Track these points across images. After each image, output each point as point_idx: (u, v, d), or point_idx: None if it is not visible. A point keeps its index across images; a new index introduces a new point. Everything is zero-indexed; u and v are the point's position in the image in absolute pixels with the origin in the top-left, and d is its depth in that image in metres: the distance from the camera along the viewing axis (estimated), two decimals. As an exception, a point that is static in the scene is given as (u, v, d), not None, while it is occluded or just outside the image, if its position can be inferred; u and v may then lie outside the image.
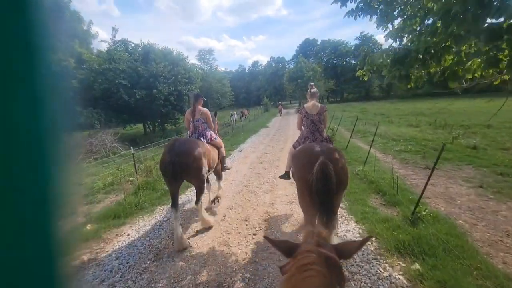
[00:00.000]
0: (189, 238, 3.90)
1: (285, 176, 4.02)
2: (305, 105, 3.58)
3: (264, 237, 1.20)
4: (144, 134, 20.31)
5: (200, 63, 27.45)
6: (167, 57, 16.15)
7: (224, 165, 5.14)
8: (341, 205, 4.43)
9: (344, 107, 36.93)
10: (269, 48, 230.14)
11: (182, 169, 3.49)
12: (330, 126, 15.45)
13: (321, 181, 2.33)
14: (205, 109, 4.36)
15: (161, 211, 5.18)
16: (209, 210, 4.84)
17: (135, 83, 15.59)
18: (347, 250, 1.06)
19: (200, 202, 3.85)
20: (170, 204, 3.84)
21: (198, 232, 4.12)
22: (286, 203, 5.16)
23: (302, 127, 3.67)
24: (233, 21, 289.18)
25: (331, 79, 40.81)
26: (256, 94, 67.57)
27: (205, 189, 4.32)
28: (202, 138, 4.25)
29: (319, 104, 3.53)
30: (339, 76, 57.41)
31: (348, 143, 9.95)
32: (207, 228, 4.14)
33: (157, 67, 15.78)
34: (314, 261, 0.90)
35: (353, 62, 64.45)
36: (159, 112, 15.95)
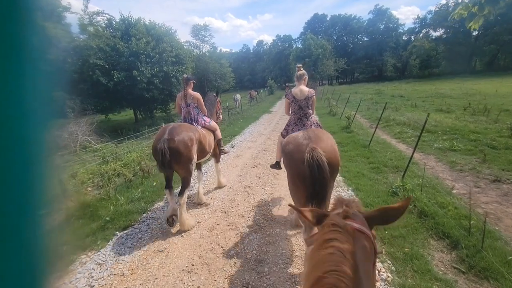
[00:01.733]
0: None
1: (276, 166, 3.83)
2: (292, 90, 3.41)
3: (290, 205, 1.17)
4: (135, 122, 18.28)
5: (195, 40, 24.90)
6: (150, 32, 13.55)
7: (221, 147, 4.93)
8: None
9: (356, 88, 33.82)
10: (276, 28, 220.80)
11: (171, 156, 3.38)
12: (344, 112, 13.02)
13: (313, 169, 2.27)
14: (197, 93, 4.19)
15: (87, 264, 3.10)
16: (201, 205, 4.52)
17: (115, 64, 13.21)
18: (390, 215, 0.98)
19: (184, 197, 3.62)
20: (164, 186, 3.73)
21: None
22: (286, 262, 3.01)
23: (290, 112, 3.52)
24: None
25: (342, 58, 37.34)
26: (261, 76, 64.01)
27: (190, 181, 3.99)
28: (195, 123, 4.12)
29: (307, 89, 3.34)
30: (349, 54, 53.39)
31: (372, 139, 7.57)
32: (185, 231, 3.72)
33: (138, 44, 13.35)
34: (336, 236, 0.84)
35: (365, 39, 60.07)
36: (142, 97, 13.65)
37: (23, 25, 0.31)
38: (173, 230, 3.74)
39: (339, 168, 2.67)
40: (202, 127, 4.20)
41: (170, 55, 13.70)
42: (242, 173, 6.12)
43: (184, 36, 41.70)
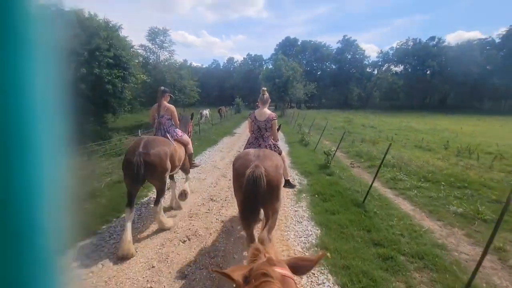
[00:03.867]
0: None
1: None
2: (255, 111, 3.54)
3: (213, 270, 1.04)
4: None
5: (152, 46, 21.00)
6: (83, 24, 10.44)
7: (193, 162, 5.12)
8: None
9: (325, 114, 33.10)
10: (248, 49, 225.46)
11: (146, 170, 3.38)
12: (319, 142, 10.95)
13: (250, 183, 2.37)
14: (171, 105, 4.25)
15: None
16: (172, 208, 4.72)
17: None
18: (302, 266, 1.02)
19: (159, 204, 3.73)
20: (126, 203, 3.51)
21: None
22: None
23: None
24: (212, 17, 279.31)
25: (312, 82, 36.97)
26: (230, 93, 62.02)
27: (165, 190, 4.11)
28: (168, 135, 4.14)
29: (269, 112, 3.46)
30: (318, 80, 54.25)
31: (368, 194, 5.27)
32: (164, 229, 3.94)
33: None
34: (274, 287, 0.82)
35: (333, 67, 62.02)
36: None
37: None
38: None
39: (280, 188, 2.78)
40: (174, 139, 4.22)
41: (106, 55, 10.58)
42: (182, 233, 3.35)
43: (139, 40, 36.81)
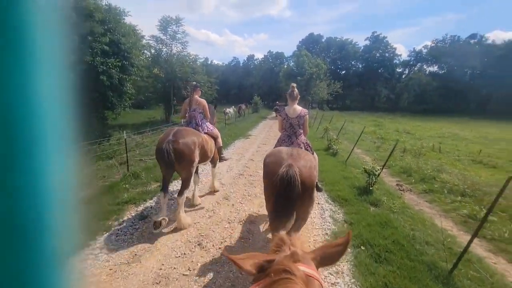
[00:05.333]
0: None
1: None
2: (286, 108, 3.49)
3: (223, 254, 1.11)
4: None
5: (164, 37, 18.50)
6: (75, 5, 8.86)
7: (222, 155, 5.18)
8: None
9: (349, 116, 30.27)
10: (270, 47, 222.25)
11: (176, 157, 3.48)
12: (352, 153, 8.78)
13: (282, 184, 2.30)
14: (203, 99, 4.38)
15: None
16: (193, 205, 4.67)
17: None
18: (329, 257, 0.89)
19: (183, 196, 3.71)
20: (161, 188, 3.73)
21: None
22: None
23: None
24: (235, 16, 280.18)
25: (337, 81, 34.12)
26: (249, 91, 60.13)
27: (192, 183, 4.33)
28: (199, 128, 4.25)
29: (300, 108, 3.42)
30: (342, 80, 51.01)
31: (460, 260, 3.10)
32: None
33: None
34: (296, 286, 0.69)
35: (360, 66, 58.30)
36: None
37: None
38: (166, 230, 3.75)
39: (313, 190, 2.67)
40: (205, 133, 4.33)
41: (101, 41, 9.02)
42: None
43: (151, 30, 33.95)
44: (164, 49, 17.61)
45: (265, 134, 14.75)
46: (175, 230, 3.84)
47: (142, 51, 15.20)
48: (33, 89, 0.31)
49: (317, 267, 0.86)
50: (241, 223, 4.15)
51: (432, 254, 3.39)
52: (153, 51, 17.81)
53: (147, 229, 3.86)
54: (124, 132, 6.52)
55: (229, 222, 4.16)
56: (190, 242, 3.59)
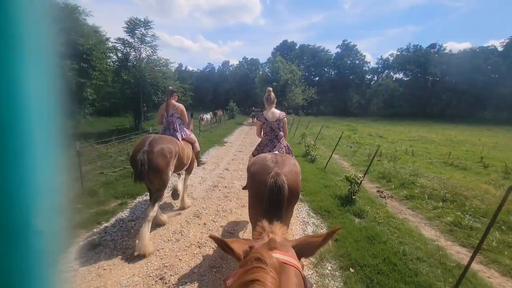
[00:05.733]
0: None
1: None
2: (264, 112, 3.46)
3: (211, 236, 0.91)
4: None
5: (132, 40, 17.03)
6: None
7: (200, 159, 5.11)
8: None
9: (324, 121, 30.73)
10: (245, 54, 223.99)
11: (149, 168, 3.36)
12: (330, 159, 8.58)
13: (272, 193, 2.29)
14: (180, 104, 4.30)
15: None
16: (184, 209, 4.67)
17: None
18: (309, 247, 0.90)
19: (153, 209, 3.44)
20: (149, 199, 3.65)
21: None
22: None
23: (262, 134, 3.55)
24: (210, 23, 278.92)
25: (312, 87, 34.68)
26: (225, 98, 59.55)
27: (180, 187, 4.49)
28: (177, 134, 4.16)
29: (278, 111, 3.44)
30: (316, 86, 52.29)
31: (462, 279, 2.78)
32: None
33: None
34: (260, 277, 0.67)
35: (332, 72, 60.17)
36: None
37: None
38: (121, 259, 3.25)
39: (299, 194, 2.69)
40: (183, 138, 4.27)
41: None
42: None
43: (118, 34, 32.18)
44: (133, 53, 16.56)
45: (241, 141, 14.25)
46: (133, 259, 3.19)
47: (107, 54, 14.10)
48: None
49: (298, 256, 0.86)
50: (213, 247, 3.58)
51: (427, 273, 3.06)
52: (120, 55, 16.64)
53: (97, 262, 3.16)
54: (77, 143, 5.69)
55: (199, 247, 3.57)
56: (150, 276, 2.95)
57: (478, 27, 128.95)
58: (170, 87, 4.50)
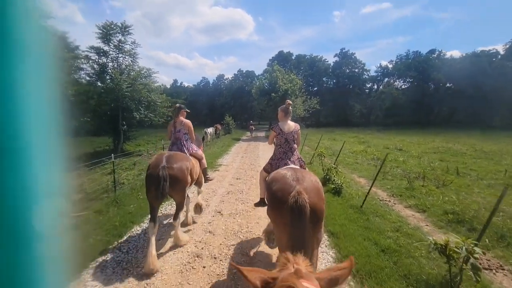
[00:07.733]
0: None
1: (261, 203, 3.60)
2: (279, 123, 3.46)
3: (232, 264, 1.00)
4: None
5: (107, 48, 14.86)
6: None
7: (207, 176, 5.19)
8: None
9: (329, 134, 28.38)
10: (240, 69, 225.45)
11: (170, 184, 3.44)
12: (355, 184, 6.05)
13: (294, 213, 2.17)
14: (188, 121, 4.40)
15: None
16: (186, 224, 4.66)
17: None
18: (336, 276, 0.94)
19: (178, 219, 3.73)
20: (149, 219, 3.55)
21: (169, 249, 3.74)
22: None
23: (273, 144, 3.55)
24: (204, 40, 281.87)
25: (314, 97, 32.59)
26: (220, 111, 57.62)
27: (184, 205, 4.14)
28: (184, 149, 4.26)
29: (293, 123, 3.45)
30: (315, 96, 50.48)
31: None
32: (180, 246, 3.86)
33: None
34: None
35: (330, 82, 58.58)
36: None
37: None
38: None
39: (324, 214, 2.43)
40: (190, 154, 4.33)
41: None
42: None
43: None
44: (110, 64, 14.22)
45: (239, 163, 11.70)
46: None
47: (75, 64, 11.85)
48: None
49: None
50: None
51: None
52: (95, 65, 14.25)
53: None
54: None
55: None
56: None
57: (465, 36, 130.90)
58: (177, 104, 4.65)
